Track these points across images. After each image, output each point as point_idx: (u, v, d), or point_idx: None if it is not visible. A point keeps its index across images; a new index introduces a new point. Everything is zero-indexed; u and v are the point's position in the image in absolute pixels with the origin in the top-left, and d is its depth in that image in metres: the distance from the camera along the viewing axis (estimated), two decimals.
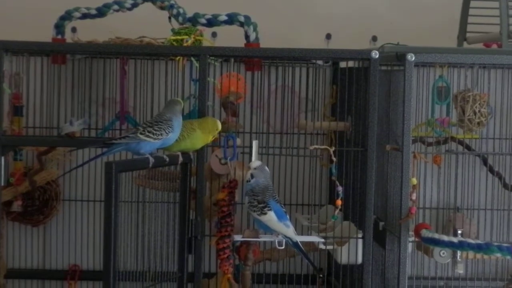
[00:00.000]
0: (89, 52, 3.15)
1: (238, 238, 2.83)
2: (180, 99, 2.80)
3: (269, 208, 2.75)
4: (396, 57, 2.83)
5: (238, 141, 2.91)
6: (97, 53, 3.17)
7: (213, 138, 2.82)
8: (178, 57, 3.00)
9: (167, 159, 2.73)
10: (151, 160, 2.66)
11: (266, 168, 2.82)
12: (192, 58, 2.98)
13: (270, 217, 2.74)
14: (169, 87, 3.13)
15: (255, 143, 2.85)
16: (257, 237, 2.82)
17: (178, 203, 2.84)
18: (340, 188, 2.84)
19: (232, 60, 3.06)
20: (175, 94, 3.11)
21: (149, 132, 2.67)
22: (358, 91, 2.96)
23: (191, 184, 2.85)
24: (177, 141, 2.76)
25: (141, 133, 2.66)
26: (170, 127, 2.70)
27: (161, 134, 2.68)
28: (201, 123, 2.79)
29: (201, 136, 2.78)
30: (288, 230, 2.75)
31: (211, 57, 2.92)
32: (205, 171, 2.88)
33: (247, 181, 2.78)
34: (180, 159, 2.77)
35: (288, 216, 2.79)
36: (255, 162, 2.80)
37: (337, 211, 2.85)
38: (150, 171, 2.92)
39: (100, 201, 3.36)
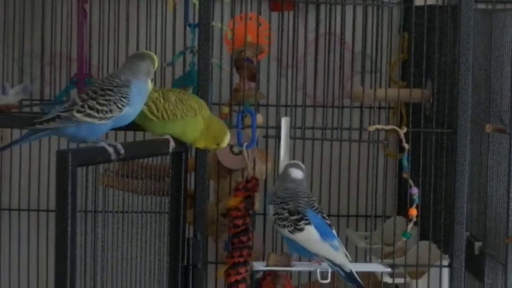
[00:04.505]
0: None
1: (259, 266, 2.85)
2: (152, 54, 2.66)
3: (306, 222, 2.76)
4: None
5: (259, 119, 2.96)
6: None
7: (214, 147, 2.82)
8: None
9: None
10: (110, 150, 2.53)
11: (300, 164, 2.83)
12: None
13: (309, 235, 2.76)
14: (153, 37, 3.23)
15: (284, 121, 2.92)
16: (289, 265, 2.83)
17: (167, 213, 2.86)
18: (415, 191, 2.92)
19: None
20: (162, 48, 3.20)
21: (91, 108, 2.54)
22: (442, 43, 3.02)
23: (187, 185, 2.87)
24: (158, 120, 2.73)
25: (78, 111, 2.53)
26: (125, 97, 2.57)
27: (110, 111, 2.56)
28: (206, 115, 2.78)
29: (201, 127, 2.76)
30: (336, 254, 2.75)
31: None
32: (209, 165, 2.95)
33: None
34: (172, 144, 2.72)
35: (335, 233, 2.78)
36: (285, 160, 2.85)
37: (410, 225, 2.93)
38: (124, 165, 2.90)
39: (48, 210, 3.51)
